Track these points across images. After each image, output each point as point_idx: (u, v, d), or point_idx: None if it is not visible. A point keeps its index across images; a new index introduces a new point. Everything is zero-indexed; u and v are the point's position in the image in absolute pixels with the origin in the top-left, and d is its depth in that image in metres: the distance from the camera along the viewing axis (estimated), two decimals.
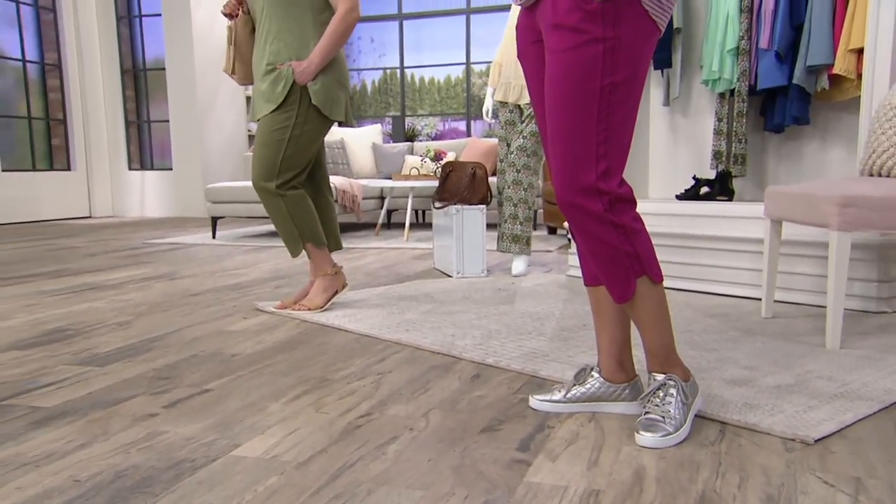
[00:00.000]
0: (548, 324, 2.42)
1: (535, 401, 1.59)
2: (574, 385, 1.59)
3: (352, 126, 2.66)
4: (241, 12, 2.58)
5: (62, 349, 2.19)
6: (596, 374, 1.59)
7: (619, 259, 1.39)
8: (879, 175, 2.25)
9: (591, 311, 1.58)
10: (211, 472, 1.28)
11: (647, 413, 1.43)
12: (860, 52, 2.68)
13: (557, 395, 1.58)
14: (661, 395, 1.44)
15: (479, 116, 8.79)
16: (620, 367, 1.57)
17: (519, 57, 1.55)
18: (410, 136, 8.67)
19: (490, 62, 8.60)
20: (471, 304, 2.78)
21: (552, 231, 5.65)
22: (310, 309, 2.64)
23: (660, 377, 1.47)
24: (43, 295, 3.15)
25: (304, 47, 2.47)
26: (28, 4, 7.66)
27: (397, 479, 1.24)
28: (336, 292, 2.69)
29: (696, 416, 1.53)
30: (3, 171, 7.25)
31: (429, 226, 6.68)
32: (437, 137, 8.95)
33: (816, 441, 1.38)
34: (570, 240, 5.04)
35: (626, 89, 1.35)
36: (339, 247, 2.78)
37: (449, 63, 8.93)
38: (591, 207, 1.37)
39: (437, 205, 3.68)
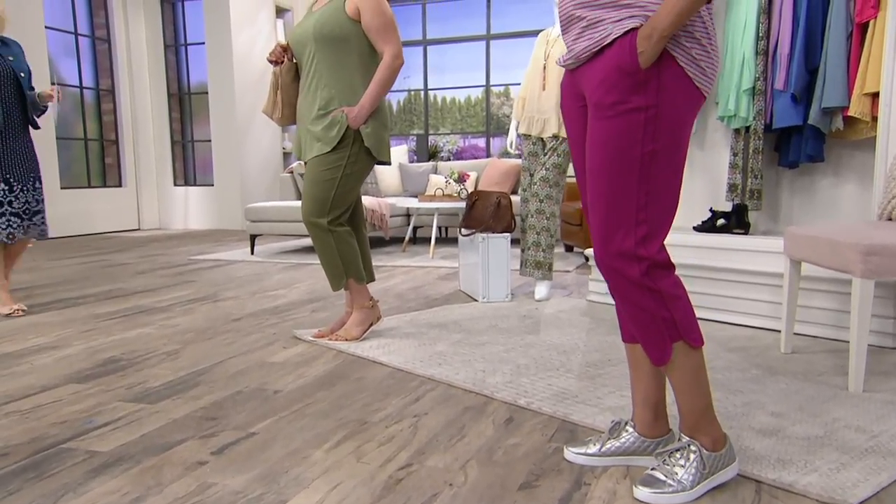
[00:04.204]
0: (574, 358, 2.34)
1: (571, 453, 1.52)
2: (609, 439, 1.51)
3: (389, 164, 2.61)
4: (285, 59, 2.53)
5: (116, 382, 2.15)
6: (630, 429, 1.50)
7: (656, 324, 1.31)
8: None
9: (628, 365, 1.50)
10: None
11: (653, 468, 1.36)
12: (875, 95, 2.57)
13: (592, 449, 1.50)
14: (678, 456, 1.35)
15: (497, 134, 8.72)
16: (655, 423, 1.49)
17: (564, 117, 1.47)
18: (433, 153, 8.62)
19: (507, 84, 8.52)
20: (498, 334, 2.70)
21: (569, 249, 5.56)
22: (347, 340, 2.57)
23: (685, 439, 1.38)
24: (97, 319, 3.13)
25: (354, 93, 2.43)
26: (85, 36, 7.71)
27: None
28: (371, 324, 2.62)
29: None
30: (61, 188, 7.30)
31: (453, 241, 6.61)
32: (457, 153, 8.89)
33: None
34: (587, 259, 4.94)
35: (668, 156, 1.27)
36: (372, 279, 2.71)
37: (469, 85, 8.86)
38: (628, 272, 1.29)
39: (464, 232, 3.61)
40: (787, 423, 1.70)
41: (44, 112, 3.32)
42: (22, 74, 3.20)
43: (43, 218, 3.31)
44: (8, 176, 3.17)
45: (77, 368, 2.32)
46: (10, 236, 3.20)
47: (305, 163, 2.53)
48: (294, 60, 2.57)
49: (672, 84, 1.24)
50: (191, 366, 2.33)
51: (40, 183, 3.30)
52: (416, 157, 8.58)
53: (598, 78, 1.27)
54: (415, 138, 8.91)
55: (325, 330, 2.67)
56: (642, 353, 1.47)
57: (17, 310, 3.24)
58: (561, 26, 1.38)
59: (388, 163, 2.56)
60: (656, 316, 1.30)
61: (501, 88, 8.67)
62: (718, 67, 1.31)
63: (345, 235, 2.50)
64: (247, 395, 2.02)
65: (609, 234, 1.30)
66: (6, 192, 3.16)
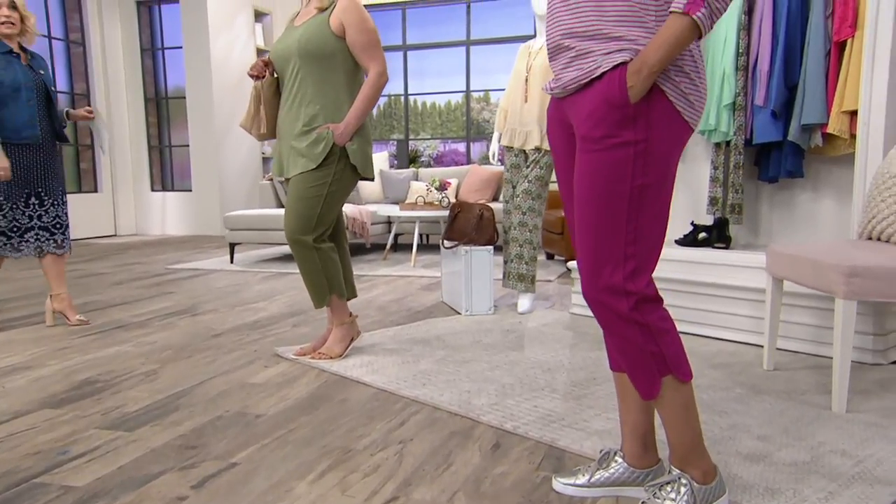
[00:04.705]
0: (559, 377, 2.32)
1: (560, 484, 1.49)
2: (598, 469, 1.49)
3: (372, 180, 2.57)
4: (267, 74, 2.48)
5: (92, 407, 2.08)
6: (619, 459, 1.49)
7: (644, 358, 1.29)
8: (879, 240, 2.16)
9: (616, 395, 1.49)
10: None
11: (643, 502, 1.34)
12: (853, 113, 2.59)
13: (581, 479, 1.48)
14: (668, 489, 1.34)
15: (477, 139, 8.72)
16: (644, 454, 1.47)
17: (550, 143, 1.45)
18: (413, 158, 8.58)
19: (487, 90, 8.52)
20: (482, 351, 2.68)
21: (550, 257, 5.56)
22: (330, 358, 2.53)
23: (675, 472, 1.36)
24: (72, 336, 3.04)
25: (339, 110, 2.40)
26: (59, 39, 7.54)
27: None
28: (352, 339, 2.58)
29: None
30: None
31: (434, 248, 6.58)
32: (437, 158, 8.87)
33: None
34: (569, 270, 4.94)
35: (657, 190, 1.25)
36: (354, 295, 2.67)
37: (450, 90, 8.85)
38: (616, 306, 1.27)
39: (447, 244, 3.58)
40: (774, 448, 1.70)
41: (65, 126, 3.26)
42: (52, 88, 3.16)
43: (69, 232, 3.25)
44: (40, 190, 3.13)
45: (51, 392, 2.24)
46: (39, 251, 3.15)
47: (287, 179, 2.48)
48: (275, 75, 2.52)
49: (661, 118, 1.22)
50: (169, 388, 2.27)
51: (66, 196, 3.25)
52: (396, 163, 8.54)
53: (587, 110, 1.25)
54: (395, 143, 8.87)
55: (307, 347, 2.62)
56: (630, 384, 1.45)
57: None
58: (548, 53, 1.35)
59: (371, 179, 2.53)
60: (644, 350, 1.28)
61: (481, 94, 8.67)
62: (706, 100, 1.29)
63: (329, 252, 2.47)
64: (228, 420, 1.97)
65: (597, 268, 1.28)
66: (36, 206, 3.12)
